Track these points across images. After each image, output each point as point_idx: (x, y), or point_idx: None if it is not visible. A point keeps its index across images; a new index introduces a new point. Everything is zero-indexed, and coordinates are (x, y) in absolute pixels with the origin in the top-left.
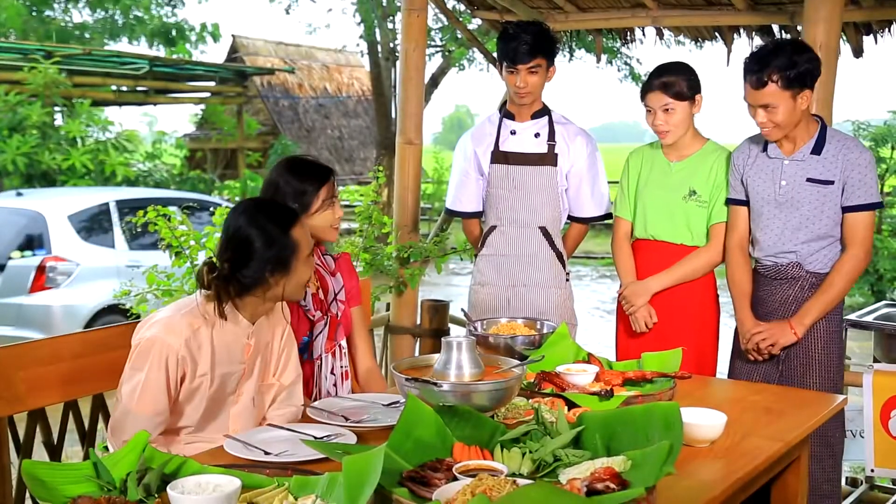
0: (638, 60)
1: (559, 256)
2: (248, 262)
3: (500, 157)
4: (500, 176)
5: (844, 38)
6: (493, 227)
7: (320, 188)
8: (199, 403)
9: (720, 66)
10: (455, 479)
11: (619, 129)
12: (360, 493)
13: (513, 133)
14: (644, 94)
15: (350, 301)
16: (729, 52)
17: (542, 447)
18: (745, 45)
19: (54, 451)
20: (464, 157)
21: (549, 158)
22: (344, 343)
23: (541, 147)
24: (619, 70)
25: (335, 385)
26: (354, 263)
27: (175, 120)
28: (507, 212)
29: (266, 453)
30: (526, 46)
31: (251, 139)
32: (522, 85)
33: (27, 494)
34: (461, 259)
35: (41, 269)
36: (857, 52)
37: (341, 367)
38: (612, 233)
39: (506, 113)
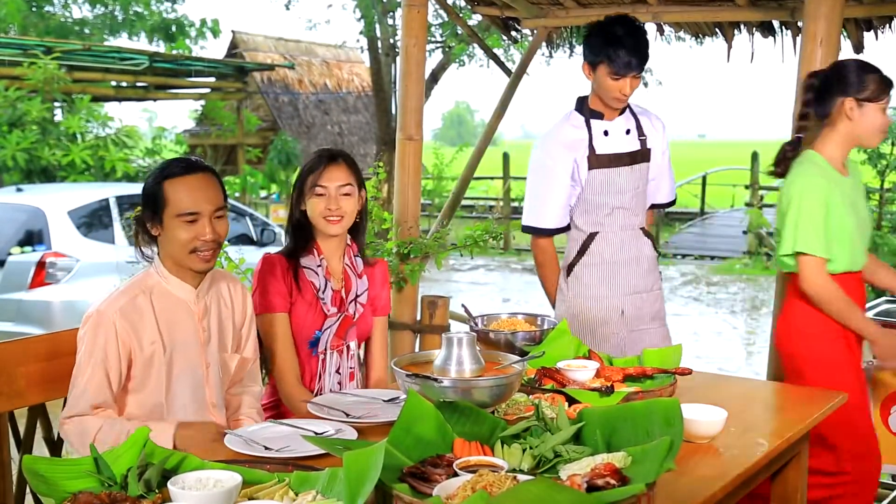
0: None
1: (657, 257)
2: (141, 209)
3: (598, 161)
4: (600, 182)
5: (845, 33)
6: (595, 234)
7: (310, 174)
8: (162, 375)
9: (720, 62)
10: (455, 474)
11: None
12: (361, 488)
13: (605, 134)
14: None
15: (376, 310)
16: (729, 48)
17: (543, 443)
18: (745, 42)
19: (55, 447)
20: (562, 169)
21: (643, 155)
22: (353, 345)
23: (633, 144)
24: None
25: (339, 384)
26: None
27: (175, 116)
28: (608, 217)
29: (267, 449)
30: (638, 55)
31: (251, 135)
32: (628, 92)
33: (28, 490)
34: (461, 255)
35: (41, 264)
36: (858, 48)
37: (349, 367)
38: (812, 281)
39: (591, 112)
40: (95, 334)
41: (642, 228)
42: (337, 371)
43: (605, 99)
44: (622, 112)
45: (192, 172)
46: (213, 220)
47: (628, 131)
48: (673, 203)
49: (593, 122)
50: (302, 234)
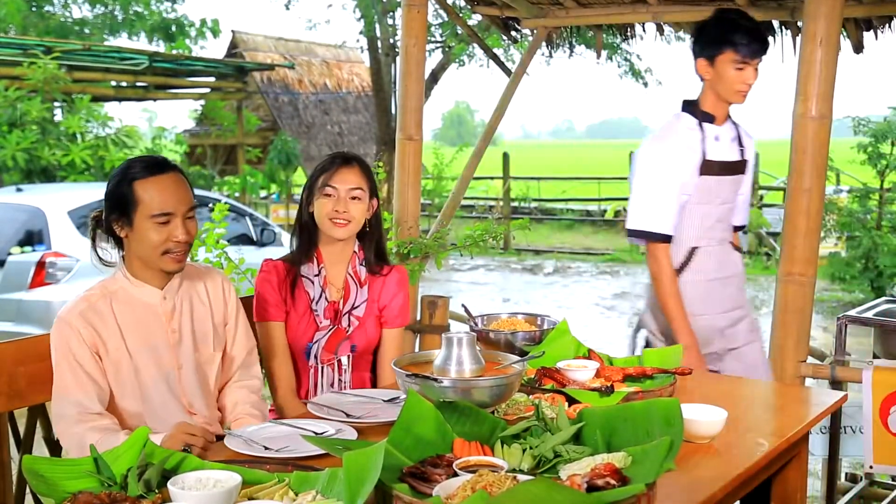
0: (638, 56)
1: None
2: (105, 209)
3: (708, 167)
4: (707, 189)
5: (845, 33)
6: (696, 248)
7: (321, 175)
8: (134, 381)
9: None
10: (455, 474)
11: (618, 125)
12: (361, 488)
13: (716, 139)
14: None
15: (386, 320)
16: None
17: (543, 443)
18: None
19: (55, 447)
20: (679, 169)
21: (742, 166)
22: (345, 360)
23: (736, 153)
24: (619, 66)
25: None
26: None
27: (175, 116)
28: (709, 230)
29: (266, 449)
30: (762, 40)
31: (251, 135)
32: (752, 81)
33: (27, 490)
34: (461, 255)
35: (41, 264)
36: (858, 47)
37: (340, 381)
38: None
39: (703, 115)
40: (61, 342)
41: (731, 243)
42: (331, 385)
43: (727, 94)
44: (727, 119)
45: (162, 172)
46: (185, 221)
47: (734, 139)
48: (744, 229)
49: (705, 125)
50: (306, 237)
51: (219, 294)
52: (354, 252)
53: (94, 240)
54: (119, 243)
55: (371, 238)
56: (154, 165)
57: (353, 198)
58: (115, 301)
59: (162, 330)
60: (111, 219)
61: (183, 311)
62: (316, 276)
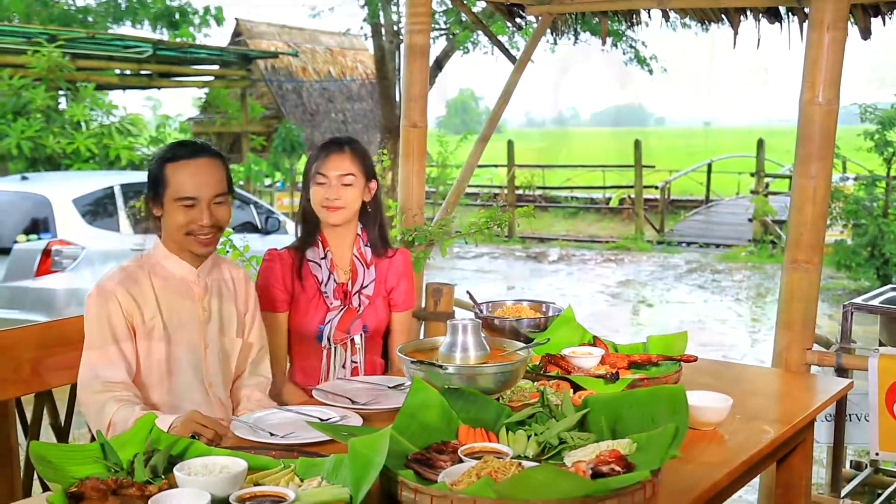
0: (643, 43)
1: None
2: (146, 188)
3: None
4: None
5: (852, 19)
6: None
7: (314, 162)
8: (162, 351)
9: (727, 48)
10: (460, 461)
11: (623, 112)
12: (366, 475)
13: None
14: None
15: (394, 304)
16: (735, 34)
17: (548, 430)
18: (752, 28)
19: (61, 433)
20: None
21: None
22: (358, 339)
23: None
24: (624, 53)
25: (344, 378)
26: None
27: (179, 104)
28: None
29: (272, 435)
30: None
31: (255, 123)
32: None
33: (35, 476)
34: (465, 243)
35: (47, 252)
36: (865, 33)
37: (353, 361)
38: None
39: None
40: (99, 309)
41: None
42: (343, 366)
43: None
44: None
45: (194, 157)
46: (212, 206)
47: None
48: None
49: None
50: (309, 224)
51: (241, 284)
52: (357, 234)
53: (143, 218)
54: (158, 221)
55: (373, 219)
56: (187, 149)
57: (345, 184)
58: (153, 273)
59: (194, 306)
60: (147, 197)
61: (213, 292)
62: (322, 259)
